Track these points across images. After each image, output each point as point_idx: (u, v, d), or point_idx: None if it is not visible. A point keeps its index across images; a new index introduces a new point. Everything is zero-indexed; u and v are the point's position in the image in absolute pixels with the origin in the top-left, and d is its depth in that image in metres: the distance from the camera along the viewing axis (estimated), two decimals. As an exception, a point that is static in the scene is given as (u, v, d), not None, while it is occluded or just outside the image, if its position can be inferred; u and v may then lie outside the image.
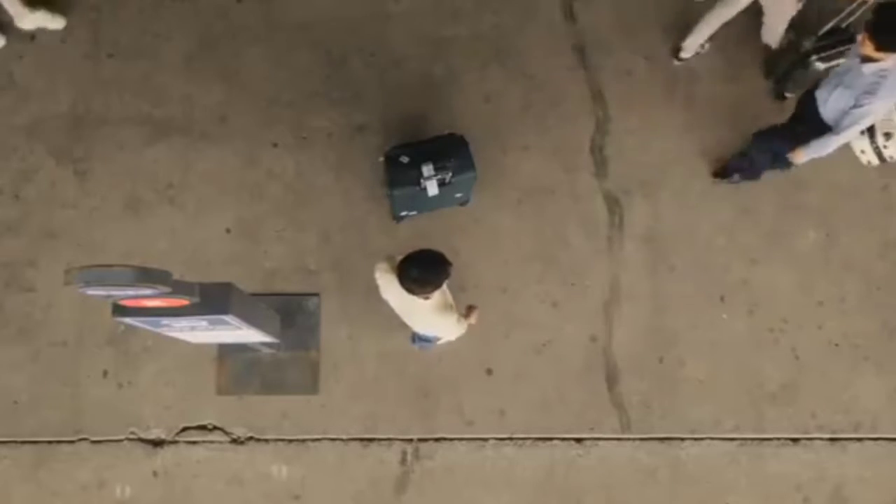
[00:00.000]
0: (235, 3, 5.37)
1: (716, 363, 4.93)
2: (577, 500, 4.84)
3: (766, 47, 5.15)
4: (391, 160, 4.70)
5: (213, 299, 3.69)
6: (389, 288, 3.82)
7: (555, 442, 4.88)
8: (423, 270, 3.56)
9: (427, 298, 3.72)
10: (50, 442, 4.92)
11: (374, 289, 4.98)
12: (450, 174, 4.64)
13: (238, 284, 3.88)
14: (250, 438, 4.92)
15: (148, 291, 3.39)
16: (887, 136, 4.59)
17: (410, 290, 3.62)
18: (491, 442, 4.89)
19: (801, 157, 4.34)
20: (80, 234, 5.09)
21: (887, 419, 4.87)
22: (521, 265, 5.04)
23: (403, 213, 4.98)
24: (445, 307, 3.86)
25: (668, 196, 5.10)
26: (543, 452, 4.87)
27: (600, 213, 5.09)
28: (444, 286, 3.75)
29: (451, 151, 4.70)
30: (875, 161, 4.73)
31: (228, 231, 5.10)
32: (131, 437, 4.92)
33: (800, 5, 4.65)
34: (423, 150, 4.70)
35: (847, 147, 5.11)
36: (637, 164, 5.14)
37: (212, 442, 4.92)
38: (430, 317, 3.86)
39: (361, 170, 5.14)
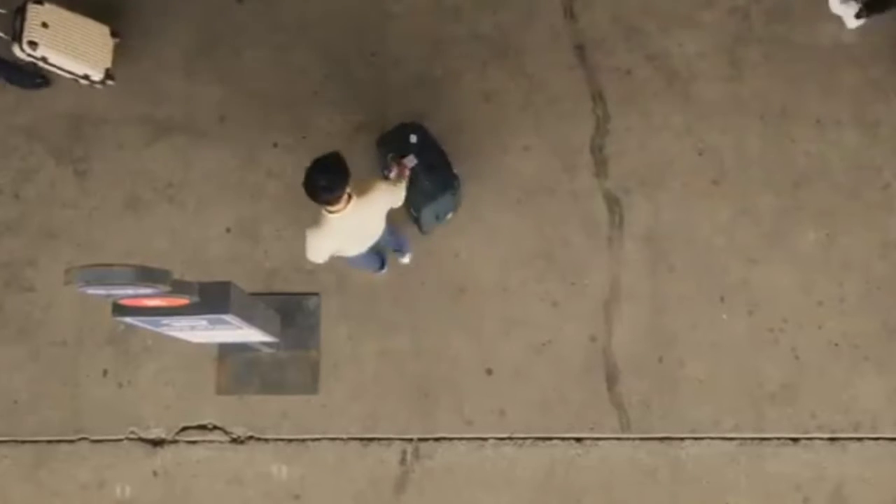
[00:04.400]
0: (235, 3, 5.37)
1: (716, 363, 4.93)
2: (577, 500, 4.84)
3: None
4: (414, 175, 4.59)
5: (212, 298, 3.70)
6: (335, 225, 3.78)
7: (555, 442, 4.88)
8: (325, 172, 3.57)
9: (365, 193, 3.79)
10: (50, 442, 4.93)
11: (373, 289, 5.02)
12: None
13: (238, 284, 3.89)
14: (250, 438, 4.92)
15: (148, 290, 3.40)
16: (32, 44, 4.67)
17: (329, 199, 3.62)
18: (491, 442, 4.89)
19: None
20: (80, 234, 5.10)
21: (887, 419, 4.87)
22: (520, 265, 5.04)
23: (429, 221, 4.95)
24: (381, 183, 3.95)
25: (668, 196, 5.10)
26: (543, 452, 4.87)
27: (600, 212, 5.09)
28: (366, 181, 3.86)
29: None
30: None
31: (228, 230, 5.10)
32: (131, 436, 4.92)
33: None
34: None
35: (851, 145, 5.12)
36: (637, 164, 5.14)
37: (212, 442, 4.92)
38: (386, 198, 3.94)
39: (361, 169, 5.12)
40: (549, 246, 5.05)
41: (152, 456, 4.90)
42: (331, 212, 3.71)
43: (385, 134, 4.73)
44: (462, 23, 5.31)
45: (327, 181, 3.56)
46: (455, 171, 4.81)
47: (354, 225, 3.85)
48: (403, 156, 4.54)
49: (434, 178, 4.66)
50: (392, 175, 4.35)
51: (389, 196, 3.98)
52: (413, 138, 4.63)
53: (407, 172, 4.37)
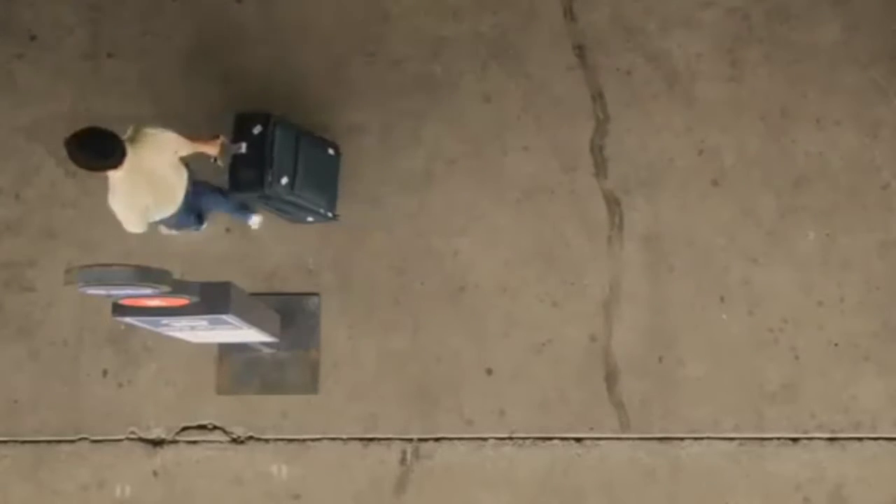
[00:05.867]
0: (235, 3, 5.37)
1: (716, 363, 4.92)
2: (577, 500, 4.84)
3: None
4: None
5: (212, 298, 3.71)
6: (128, 179, 3.91)
7: (555, 441, 4.88)
8: (95, 142, 3.75)
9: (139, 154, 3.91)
10: (50, 441, 4.93)
11: (374, 289, 5.02)
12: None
13: (238, 284, 3.89)
14: (250, 438, 4.92)
15: (147, 291, 3.40)
16: None
17: (116, 161, 3.78)
18: (491, 442, 4.89)
19: None
20: (80, 234, 5.10)
21: (887, 419, 4.87)
22: (521, 265, 5.04)
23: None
24: (172, 138, 4.09)
25: (668, 196, 5.10)
26: (543, 452, 4.87)
27: (600, 213, 5.09)
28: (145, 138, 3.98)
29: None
30: None
31: (228, 230, 5.10)
32: (131, 436, 4.93)
33: None
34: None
35: (851, 145, 5.12)
36: (637, 164, 5.14)
37: (212, 442, 4.92)
38: (166, 145, 4.06)
39: (361, 169, 5.14)
40: (549, 246, 5.05)
41: (152, 456, 4.90)
42: (117, 169, 3.85)
43: (249, 112, 4.68)
44: (462, 23, 5.31)
45: (110, 143, 3.75)
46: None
47: (146, 173, 3.96)
48: (237, 140, 4.58)
49: (238, 175, 4.60)
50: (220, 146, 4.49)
51: (170, 143, 4.08)
52: (256, 129, 4.58)
53: (216, 148, 4.46)
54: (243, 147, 4.57)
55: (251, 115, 4.65)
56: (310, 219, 4.97)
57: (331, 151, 4.95)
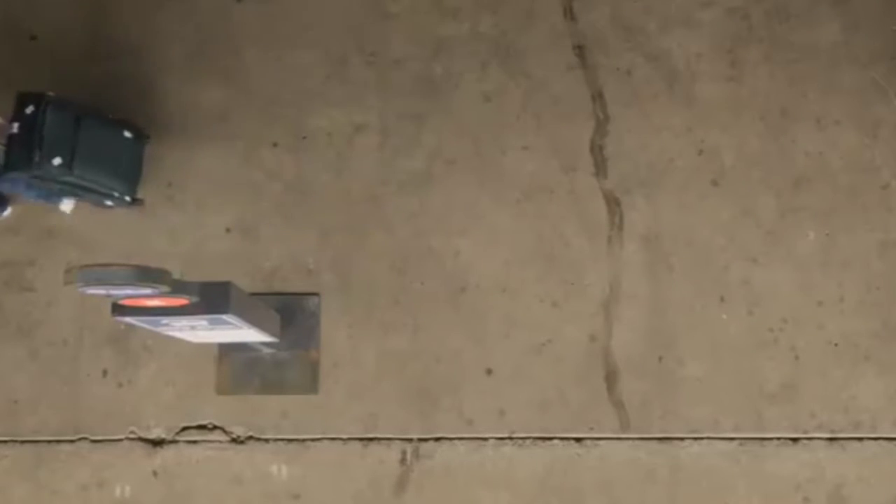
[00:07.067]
0: (235, 2, 5.37)
1: (716, 363, 4.93)
2: (576, 499, 4.84)
3: None
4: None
5: (212, 298, 3.71)
6: None
7: (555, 441, 4.88)
8: None
9: None
10: (50, 441, 4.93)
11: (373, 289, 5.02)
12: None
13: (238, 284, 3.89)
14: (250, 438, 4.92)
15: (147, 290, 3.41)
16: None
17: None
18: (491, 441, 4.89)
19: None
20: (80, 234, 5.10)
21: (887, 419, 4.87)
22: (520, 265, 5.04)
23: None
24: None
25: (668, 196, 5.10)
26: (543, 452, 4.87)
27: (600, 213, 5.09)
28: None
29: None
30: None
31: (228, 230, 5.11)
32: (131, 436, 4.93)
33: None
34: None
35: (851, 145, 5.12)
36: (637, 164, 5.14)
37: (212, 442, 4.92)
38: None
39: (361, 169, 5.15)
40: (549, 246, 5.06)
41: (152, 456, 4.90)
42: None
43: (27, 92, 4.57)
44: (462, 23, 5.31)
45: None
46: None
47: None
48: (13, 120, 4.50)
49: (11, 155, 4.50)
50: None
51: None
52: (29, 109, 4.50)
53: None
54: (15, 127, 4.50)
55: (27, 95, 4.56)
56: (108, 202, 4.88)
57: (127, 134, 4.85)
